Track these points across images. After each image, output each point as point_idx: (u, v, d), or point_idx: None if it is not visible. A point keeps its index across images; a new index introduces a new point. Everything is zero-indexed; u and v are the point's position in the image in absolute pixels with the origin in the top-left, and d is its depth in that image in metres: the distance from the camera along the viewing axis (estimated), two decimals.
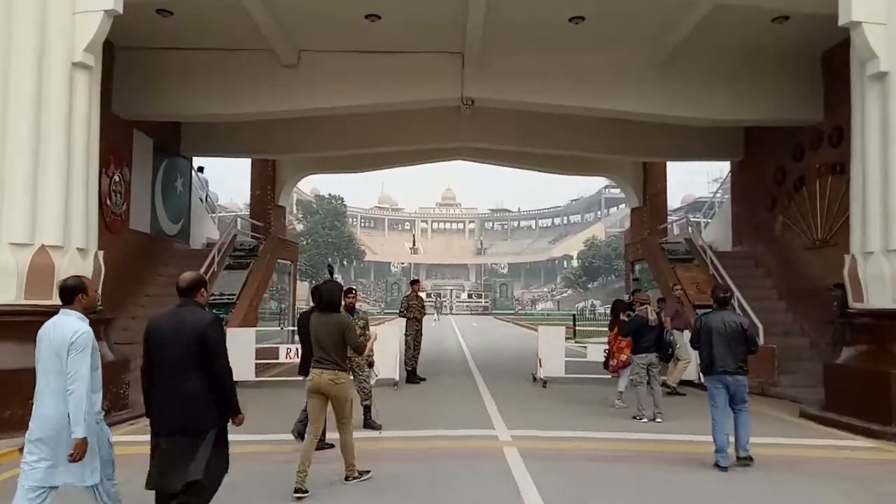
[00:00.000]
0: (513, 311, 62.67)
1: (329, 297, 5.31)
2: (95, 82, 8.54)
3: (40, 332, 3.65)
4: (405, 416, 8.58)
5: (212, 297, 12.47)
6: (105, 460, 3.76)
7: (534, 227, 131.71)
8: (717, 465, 6.00)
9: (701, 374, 9.69)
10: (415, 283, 12.15)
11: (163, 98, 11.76)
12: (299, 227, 69.06)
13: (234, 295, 12.59)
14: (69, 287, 3.71)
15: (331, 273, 11.24)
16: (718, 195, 17.00)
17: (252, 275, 13.33)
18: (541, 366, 11.70)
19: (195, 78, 11.73)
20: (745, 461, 6.06)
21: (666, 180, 17.73)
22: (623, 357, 9.40)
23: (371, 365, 7.90)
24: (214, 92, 11.74)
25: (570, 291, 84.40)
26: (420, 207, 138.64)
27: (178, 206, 14.85)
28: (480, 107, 14.55)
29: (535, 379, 11.95)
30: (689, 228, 15.54)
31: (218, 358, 3.67)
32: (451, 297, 66.53)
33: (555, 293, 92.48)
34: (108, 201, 11.50)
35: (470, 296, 66.79)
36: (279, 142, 15.29)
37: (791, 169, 13.23)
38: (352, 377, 5.99)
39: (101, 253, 8.83)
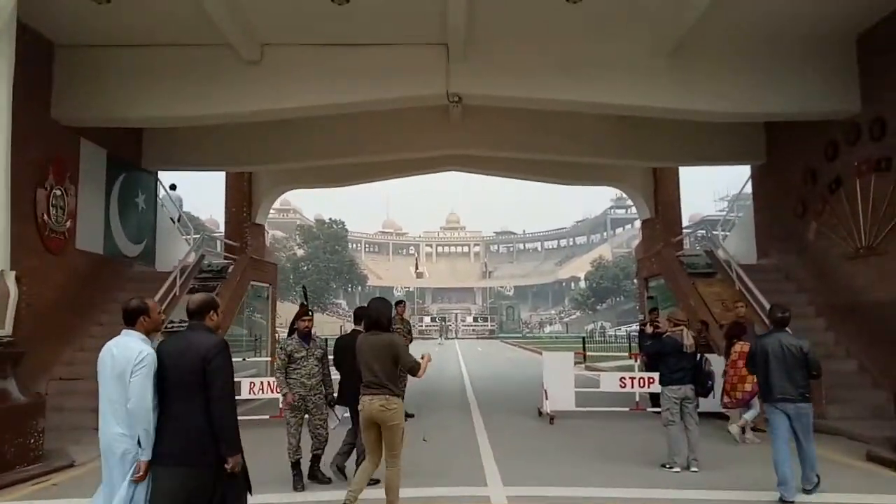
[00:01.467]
0: (520, 335, 60.87)
1: (377, 317, 4.96)
2: (4, 73, 7.19)
3: (102, 353, 3.65)
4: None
5: (169, 325, 10.96)
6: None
7: (539, 249, 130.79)
8: (781, 501, 5.52)
9: (724, 403, 8.43)
10: (399, 304, 10.60)
11: (109, 101, 10.37)
12: (300, 253, 67.96)
13: None
14: (131, 309, 3.70)
15: (305, 296, 9.75)
16: (732, 213, 15.28)
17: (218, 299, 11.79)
18: (546, 398, 10.08)
19: (145, 78, 10.35)
20: (811, 492, 5.71)
21: (679, 189, 16.22)
22: (748, 387, 7.97)
23: (332, 404, 6.36)
24: (167, 93, 10.34)
25: (578, 313, 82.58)
26: (424, 231, 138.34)
27: (141, 224, 13.41)
28: (471, 109, 13.19)
29: (540, 414, 10.32)
30: (709, 238, 13.93)
31: (214, 386, 3.43)
32: (456, 321, 64.82)
33: (563, 315, 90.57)
34: (45, 217, 10.06)
35: (475, 319, 65.04)
36: (253, 152, 13.91)
37: (823, 169, 11.68)
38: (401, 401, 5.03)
39: (12, 274, 7.38)
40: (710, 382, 7.16)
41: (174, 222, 15.64)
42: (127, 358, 3.49)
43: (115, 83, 10.36)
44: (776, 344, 5.78)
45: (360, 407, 4.91)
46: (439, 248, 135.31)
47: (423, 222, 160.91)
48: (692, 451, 6.85)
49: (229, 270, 12.70)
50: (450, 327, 60.73)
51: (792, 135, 12.66)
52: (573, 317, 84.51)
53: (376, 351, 4.82)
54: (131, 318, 3.69)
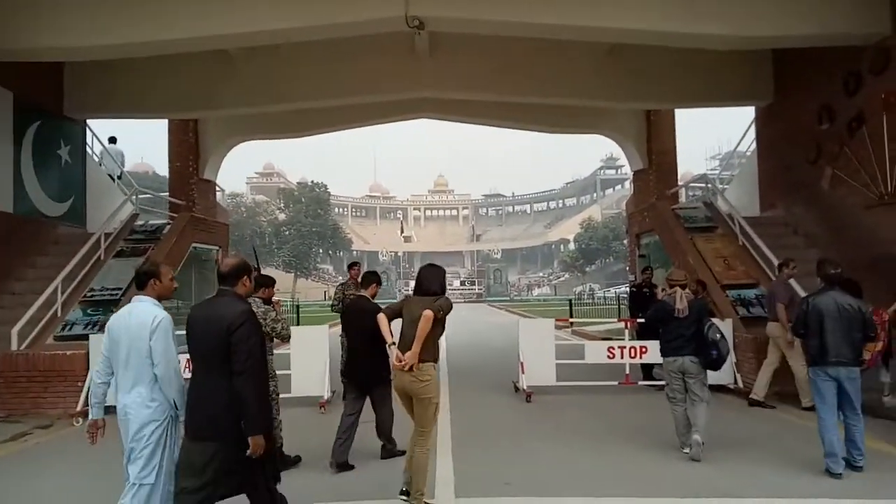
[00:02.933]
0: (507, 298, 59.81)
1: (427, 285, 4.42)
2: None
3: (112, 321, 3.55)
4: (315, 456, 5.61)
5: (87, 294, 9.44)
6: (168, 470, 3.45)
7: (528, 211, 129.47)
8: (828, 472, 5.08)
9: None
10: (353, 266, 9.15)
11: (8, 30, 8.63)
12: (281, 217, 66.11)
13: (119, 290, 9.54)
14: (141, 272, 3.62)
15: (256, 257, 8.29)
16: (726, 172, 13.65)
17: None
18: (522, 372, 8.74)
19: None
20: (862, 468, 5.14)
21: (675, 137, 14.66)
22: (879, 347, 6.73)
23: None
24: (81, 17, 8.61)
25: (567, 276, 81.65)
26: (412, 195, 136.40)
27: (65, 180, 11.74)
28: (440, 43, 11.52)
29: (516, 389, 9.00)
30: (708, 189, 12.47)
31: (237, 359, 3.14)
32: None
33: (552, 278, 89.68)
34: None
35: (463, 283, 63.79)
36: (196, 97, 12.18)
37: (842, 106, 10.18)
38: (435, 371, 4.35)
39: None
40: (714, 352, 5.79)
41: (114, 179, 13.94)
42: (142, 323, 3.41)
43: (12, 7, 8.60)
44: (831, 303, 5.29)
45: (391, 376, 4.60)
46: (427, 212, 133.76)
47: (410, 186, 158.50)
48: (694, 429, 5.66)
49: (165, 231, 11.10)
50: None
51: (804, 68, 11.12)
52: (562, 279, 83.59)
53: (416, 316, 4.19)
54: (141, 282, 3.58)
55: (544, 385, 8.76)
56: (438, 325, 4.21)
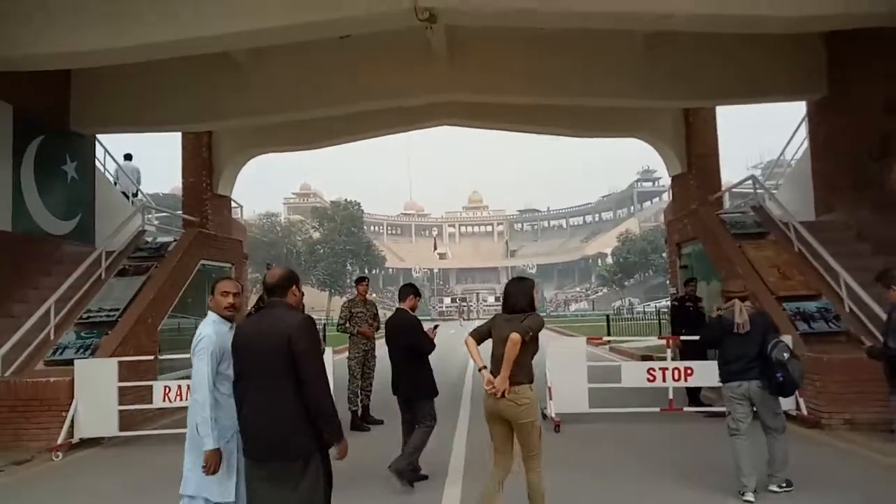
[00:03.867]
0: (544, 313, 58.37)
1: (513, 300, 4.04)
2: None
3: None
4: None
5: (84, 316, 8.87)
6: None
7: (564, 226, 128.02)
8: None
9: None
10: (361, 281, 8.36)
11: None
12: (315, 235, 66.23)
13: (117, 311, 8.95)
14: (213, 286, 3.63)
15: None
16: (770, 182, 12.36)
17: (150, 282, 9.66)
18: (550, 398, 7.76)
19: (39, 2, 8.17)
20: None
21: (717, 138, 13.53)
22: None
23: None
24: (73, 21, 8.14)
25: (605, 290, 79.70)
26: (447, 212, 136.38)
27: (71, 197, 11.33)
28: (457, 40, 10.74)
29: (544, 417, 8.01)
30: (758, 191, 11.29)
31: (306, 370, 3.00)
32: (477, 301, 62.59)
33: (589, 293, 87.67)
34: None
35: (497, 299, 62.50)
36: (207, 108, 11.67)
37: None
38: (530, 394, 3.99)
39: None
40: (780, 375, 4.77)
41: (129, 197, 13.55)
42: (194, 340, 3.40)
43: (7, 12, 8.19)
44: None
45: (484, 402, 4.07)
46: (462, 228, 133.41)
47: (445, 203, 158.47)
48: (772, 466, 4.82)
49: (169, 247, 10.52)
50: (471, 308, 58.63)
51: (863, 54, 9.97)
52: (599, 294, 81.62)
53: (504, 336, 3.87)
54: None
55: (575, 412, 7.77)
56: (530, 344, 3.91)
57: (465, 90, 11.49)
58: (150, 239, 11.18)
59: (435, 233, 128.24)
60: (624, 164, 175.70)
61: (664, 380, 7.80)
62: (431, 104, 12.18)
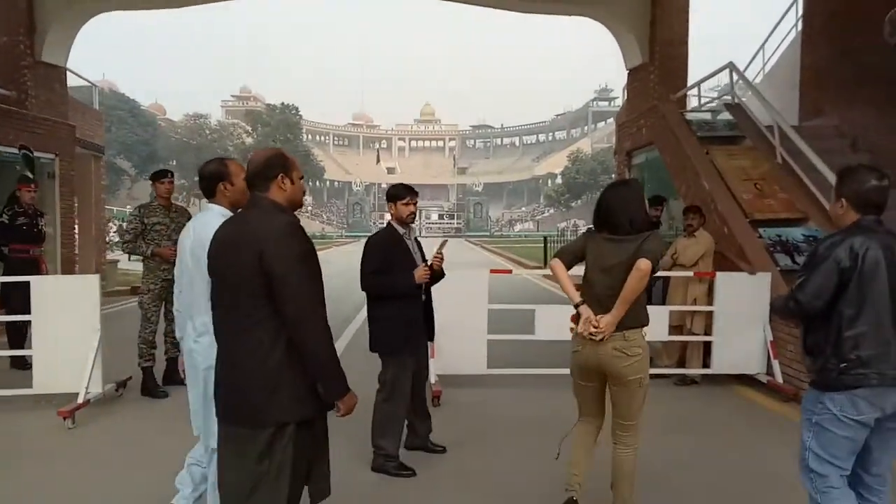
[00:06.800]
0: (487, 234, 56.61)
1: (627, 217, 2.90)
2: None
3: (181, 236, 2.95)
4: None
5: None
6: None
7: (517, 144, 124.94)
8: None
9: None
10: (161, 177, 5.55)
11: None
12: (249, 141, 61.56)
13: None
14: (205, 176, 2.89)
15: (29, 160, 5.08)
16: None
17: None
18: (433, 355, 5.38)
19: None
20: None
21: (687, 21, 10.88)
22: None
23: None
24: None
25: (552, 211, 78.31)
26: (397, 124, 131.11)
27: None
28: None
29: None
30: (733, 85, 8.79)
31: (287, 298, 2.03)
32: (420, 219, 60.03)
33: (536, 213, 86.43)
34: None
35: (441, 217, 60.54)
36: None
37: None
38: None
39: None
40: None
41: None
42: (202, 240, 2.45)
43: None
44: (882, 246, 2.38)
45: (574, 348, 2.97)
46: (413, 143, 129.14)
47: (396, 116, 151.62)
48: None
49: None
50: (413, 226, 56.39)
51: None
52: (546, 215, 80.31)
53: (609, 264, 2.88)
54: (209, 188, 2.88)
55: (468, 374, 5.49)
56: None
57: None
58: None
59: (384, 146, 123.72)
60: (581, 82, 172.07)
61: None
62: None
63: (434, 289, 4.05)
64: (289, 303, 2.03)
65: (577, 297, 2.97)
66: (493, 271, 5.71)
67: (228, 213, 2.72)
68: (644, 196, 3.06)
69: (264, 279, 2.03)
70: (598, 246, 2.97)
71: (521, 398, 5.30)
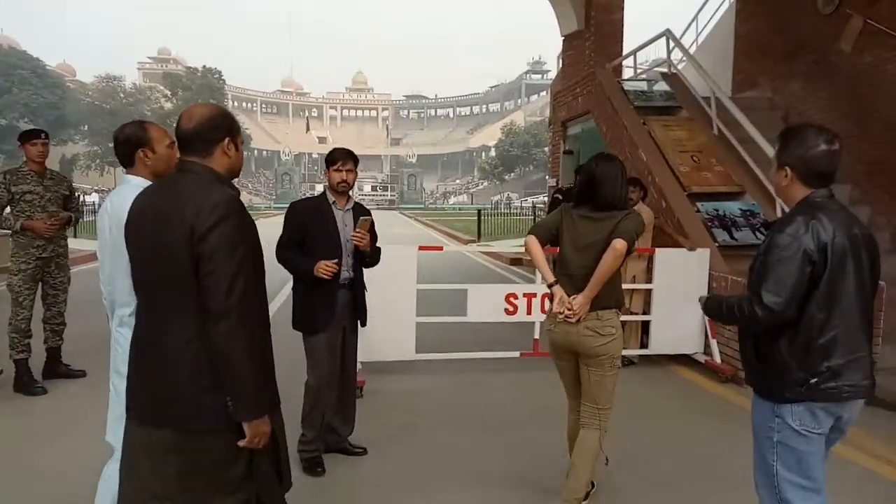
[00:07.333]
0: (422, 206, 56.05)
1: (609, 192, 2.83)
2: None
3: (99, 213, 2.57)
4: None
5: None
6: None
7: (451, 115, 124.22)
8: None
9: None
10: (30, 138, 4.73)
11: None
12: (167, 106, 58.08)
13: None
14: (121, 142, 2.52)
15: None
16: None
17: None
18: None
19: None
20: None
21: None
22: None
23: None
24: None
25: (486, 184, 78.45)
26: (328, 92, 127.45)
27: None
28: None
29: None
30: (669, 53, 8.57)
31: (213, 288, 1.68)
32: (352, 190, 58.70)
33: (470, 186, 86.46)
34: None
35: (374, 188, 59.40)
36: None
37: None
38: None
39: None
40: None
41: None
42: (121, 219, 1.96)
43: None
44: (848, 235, 2.01)
45: (548, 326, 2.93)
46: (345, 112, 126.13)
47: (327, 83, 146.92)
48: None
49: None
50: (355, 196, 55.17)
51: None
52: (480, 187, 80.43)
53: (585, 243, 2.83)
54: (127, 156, 2.52)
55: (395, 360, 5.04)
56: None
57: None
58: None
59: (314, 114, 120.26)
60: (514, 53, 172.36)
61: (529, 311, 5.18)
62: None
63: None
64: (214, 297, 1.68)
65: (551, 277, 2.91)
66: (422, 248, 5.22)
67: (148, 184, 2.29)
68: (624, 169, 2.92)
69: (194, 262, 1.71)
70: (573, 224, 2.89)
71: (452, 385, 4.90)
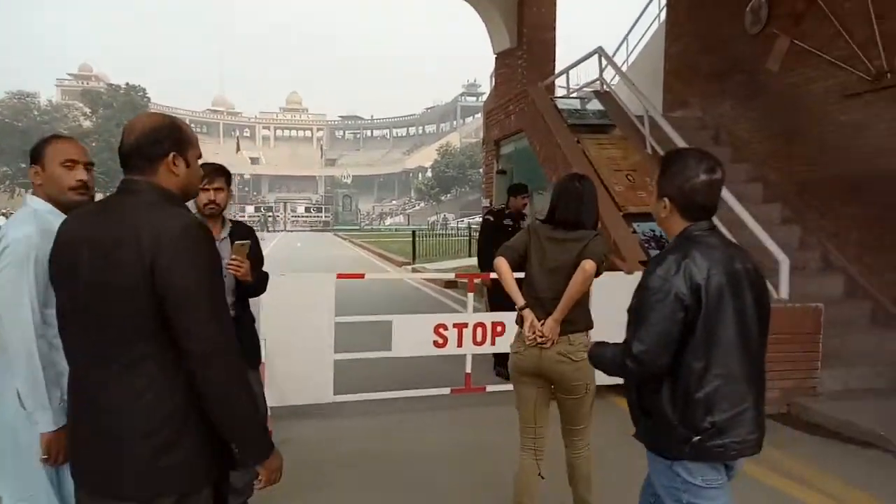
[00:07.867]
0: (357, 227, 55.14)
1: (581, 213, 2.77)
2: None
3: None
4: None
5: None
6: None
7: (388, 136, 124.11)
8: None
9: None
10: None
11: None
12: (86, 124, 55.16)
13: None
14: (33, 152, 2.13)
15: None
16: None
17: None
18: (264, 380, 4.26)
19: None
20: None
21: (555, 7, 10.50)
22: None
23: None
24: None
25: (422, 204, 78.37)
26: (261, 112, 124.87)
27: None
28: None
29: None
30: (602, 71, 8.42)
31: (196, 327, 1.49)
32: (284, 212, 57.13)
33: (406, 207, 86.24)
34: None
35: (308, 210, 58.08)
36: None
37: None
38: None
39: None
40: None
41: None
42: (16, 249, 1.89)
43: None
44: (725, 270, 1.78)
45: (514, 349, 2.86)
46: (278, 132, 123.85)
47: (260, 103, 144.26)
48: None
49: None
50: (277, 218, 53.39)
51: None
52: (417, 208, 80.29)
53: (555, 265, 2.76)
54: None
55: (310, 404, 4.46)
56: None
57: None
58: None
59: (247, 134, 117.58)
60: (450, 75, 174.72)
61: (460, 343, 4.72)
62: None
63: (264, 301, 2.99)
64: (196, 337, 1.49)
65: (521, 300, 2.86)
66: (340, 276, 4.67)
67: (47, 209, 2.02)
68: (595, 191, 2.91)
69: (155, 300, 1.49)
70: (541, 245, 2.84)
71: (374, 430, 4.36)
